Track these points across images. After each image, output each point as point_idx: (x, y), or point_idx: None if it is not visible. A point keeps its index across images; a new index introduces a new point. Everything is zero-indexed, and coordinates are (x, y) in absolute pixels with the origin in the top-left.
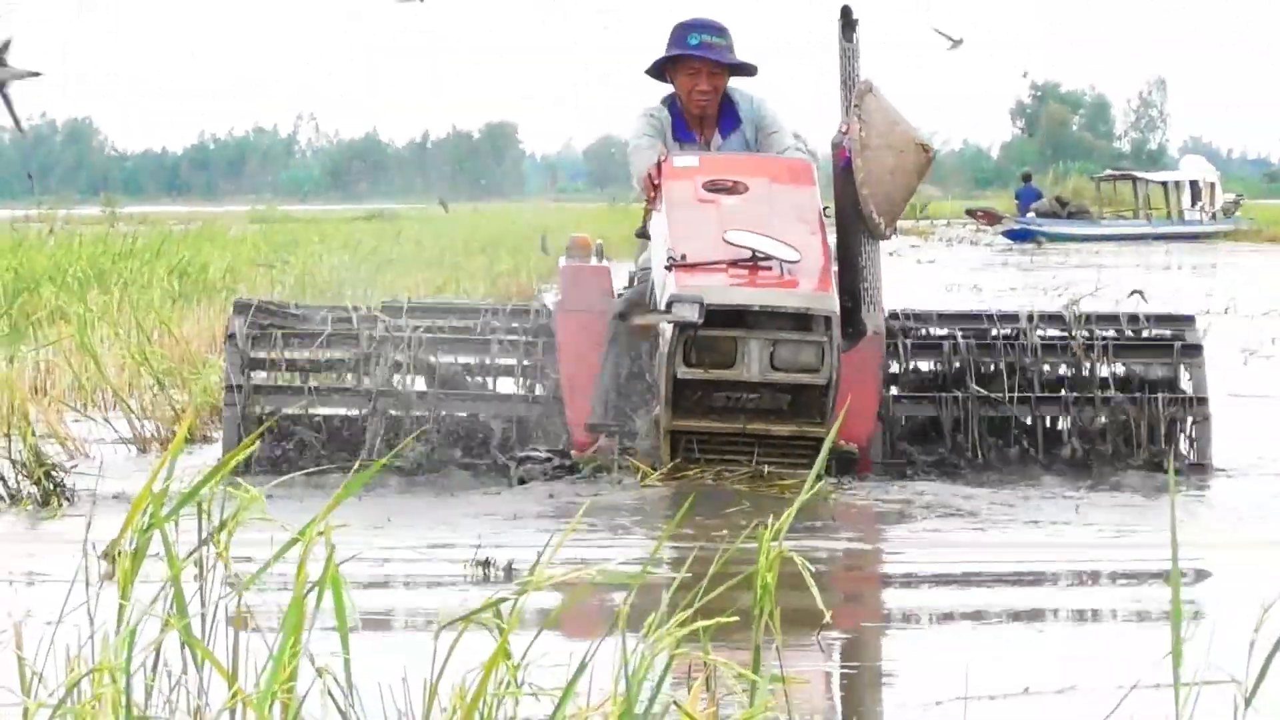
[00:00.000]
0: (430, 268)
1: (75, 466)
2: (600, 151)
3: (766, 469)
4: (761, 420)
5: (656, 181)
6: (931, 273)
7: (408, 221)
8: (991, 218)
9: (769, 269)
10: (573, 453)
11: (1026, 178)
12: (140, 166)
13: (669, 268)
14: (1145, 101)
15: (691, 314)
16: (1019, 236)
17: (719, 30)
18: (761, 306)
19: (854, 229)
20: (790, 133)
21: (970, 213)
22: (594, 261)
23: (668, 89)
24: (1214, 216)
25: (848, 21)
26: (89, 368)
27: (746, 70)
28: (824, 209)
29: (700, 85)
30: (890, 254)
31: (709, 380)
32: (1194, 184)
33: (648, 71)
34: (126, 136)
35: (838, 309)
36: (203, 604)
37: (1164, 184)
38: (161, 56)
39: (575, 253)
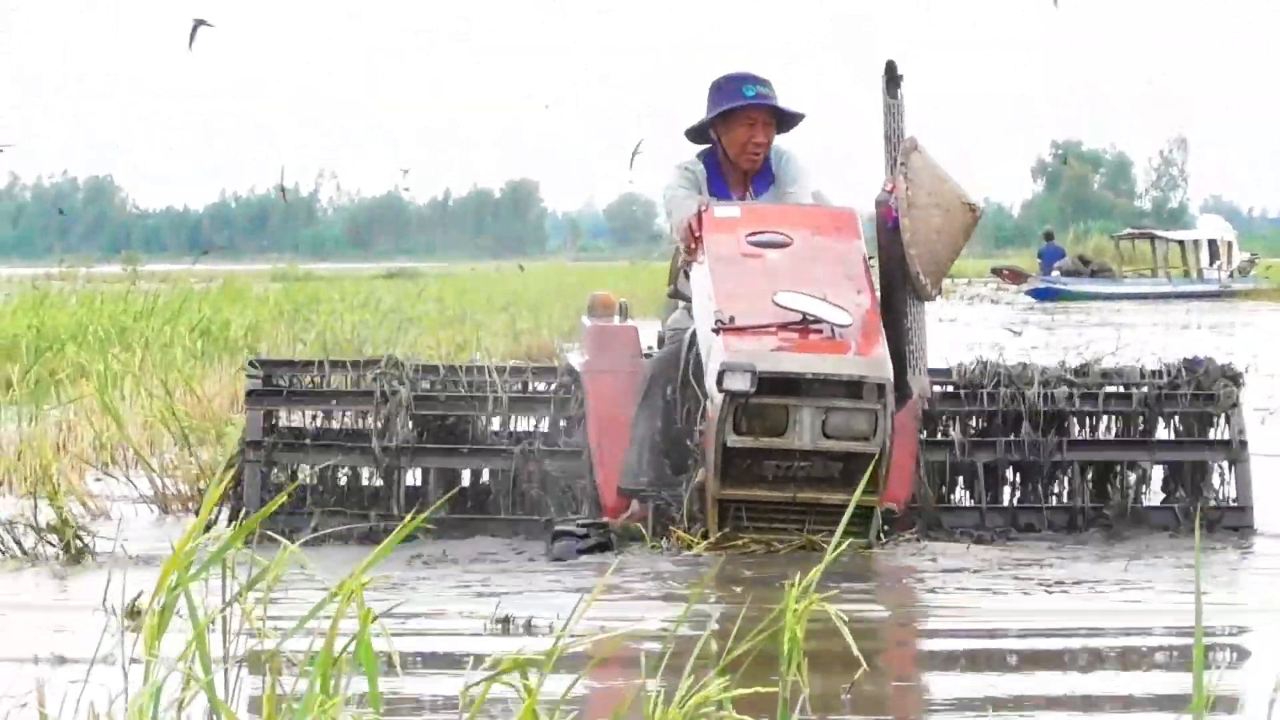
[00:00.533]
0: (451, 326)
1: (95, 526)
2: (622, 210)
3: (817, 537)
4: (813, 489)
5: (697, 233)
6: (953, 331)
7: (429, 279)
8: (1017, 276)
9: (819, 331)
10: (605, 519)
11: (1049, 236)
12: (162, 224)
13: (717, 330)
14: (1166, 160)
15: (743, 384)
16: (1044, 295)
17: (767, 82)
18: (814, 375)
19: (899, 289)
20: (810, 189)
21: (996, 271)
22: (617, 320)
23: (696, 146)
24: (1231, 275)
25: (892, 77)
26: (110, 426)
27: (799, 119)
28: (867, 259)
29: (757, 137)
30: None
31: (759, 448)
32: (1212, 243)
33: (692, 129)
34: (148, 194)
35: (892, 376)
36: (226, 661)
37: (1182, 243)
38: (184, 115)
39: (598, 311)
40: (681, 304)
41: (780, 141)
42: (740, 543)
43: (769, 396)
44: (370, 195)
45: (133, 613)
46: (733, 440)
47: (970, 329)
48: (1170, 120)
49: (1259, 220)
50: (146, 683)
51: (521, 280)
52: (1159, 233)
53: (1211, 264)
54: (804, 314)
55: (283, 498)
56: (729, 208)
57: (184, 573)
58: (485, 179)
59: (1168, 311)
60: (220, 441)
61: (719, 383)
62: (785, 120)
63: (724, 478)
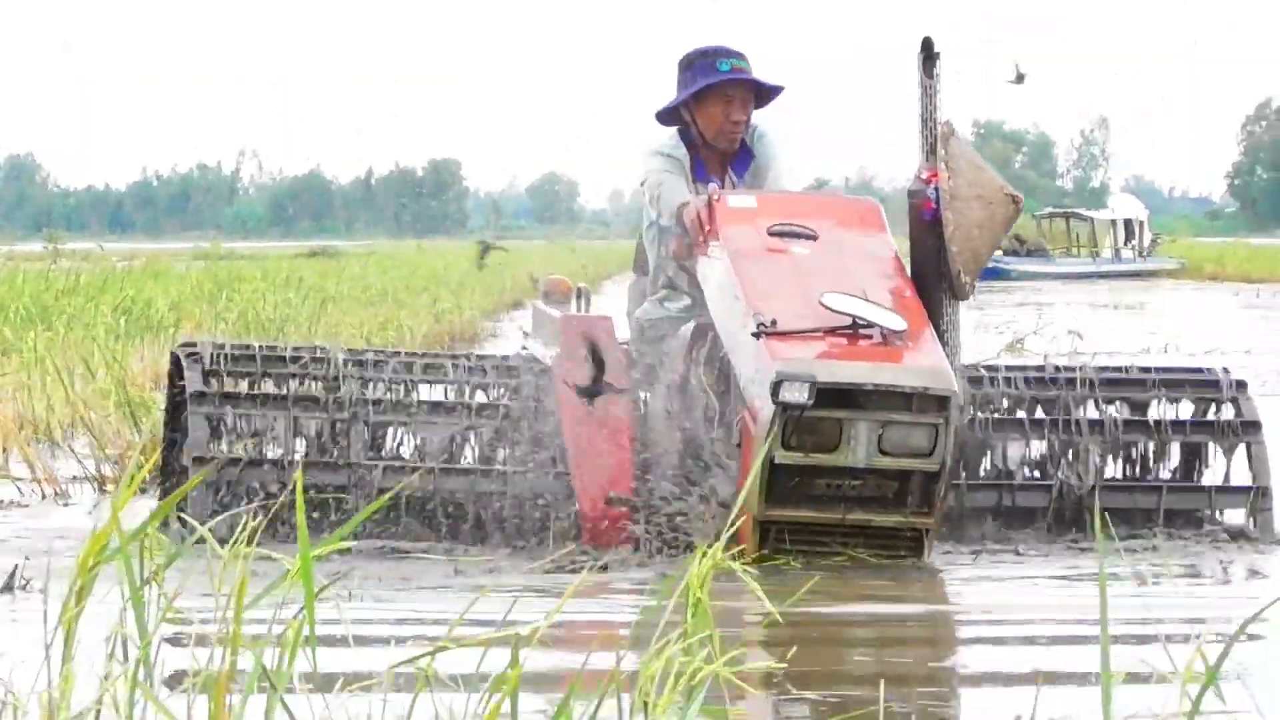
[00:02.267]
0: (373, 305)
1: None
2: (544, 189)
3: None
4: (864, 509)
5: (709, 224)
6: None
7: (351, 258)
8: None
9: (868, 337)
10: (584, 534)
11: None
12: (84, 202)
13: (758, 335)
14: (1087, 140)
15: (802, 396)
16: (989, 275)
17: (742, 55)
18: (877, 386)
19: (934, 287)
20: (789, 167)
21: None
22: (574, 306)
23: (662, 129)
24: (1142, 254)
25: (929, 55)
26: (31, 405)
27: (778, 92)
28: (898, 255)
29: (735, 115)
30: None
31: (810, 465)
32: (1128, 222)
33: (663, 111)
34: (69, 172)
35: (957, 387)
36: (143, 640)
37: (1100, 221)
38: (105, 92)
39: (555, 297)
40: (652, 295)
41: (754, 117)
42: (779, 562)
43: (822, 409)
44: (292, 174)
45: (7, 587)
46: (781, 456)
47: None
48: (1092, 100)
49: (1180, 200)
50: (65, 663)
51: (442, 260)
52: (1083, 212)
53: (1127, 243)
54: (854, 317)
55: (199, 479)
56: (743, 197)
57: (99, 555)
58: (408, 158)
59: (1093, 291)
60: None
61: (774, 394)
62: (762, 95)
63: (769, 497)
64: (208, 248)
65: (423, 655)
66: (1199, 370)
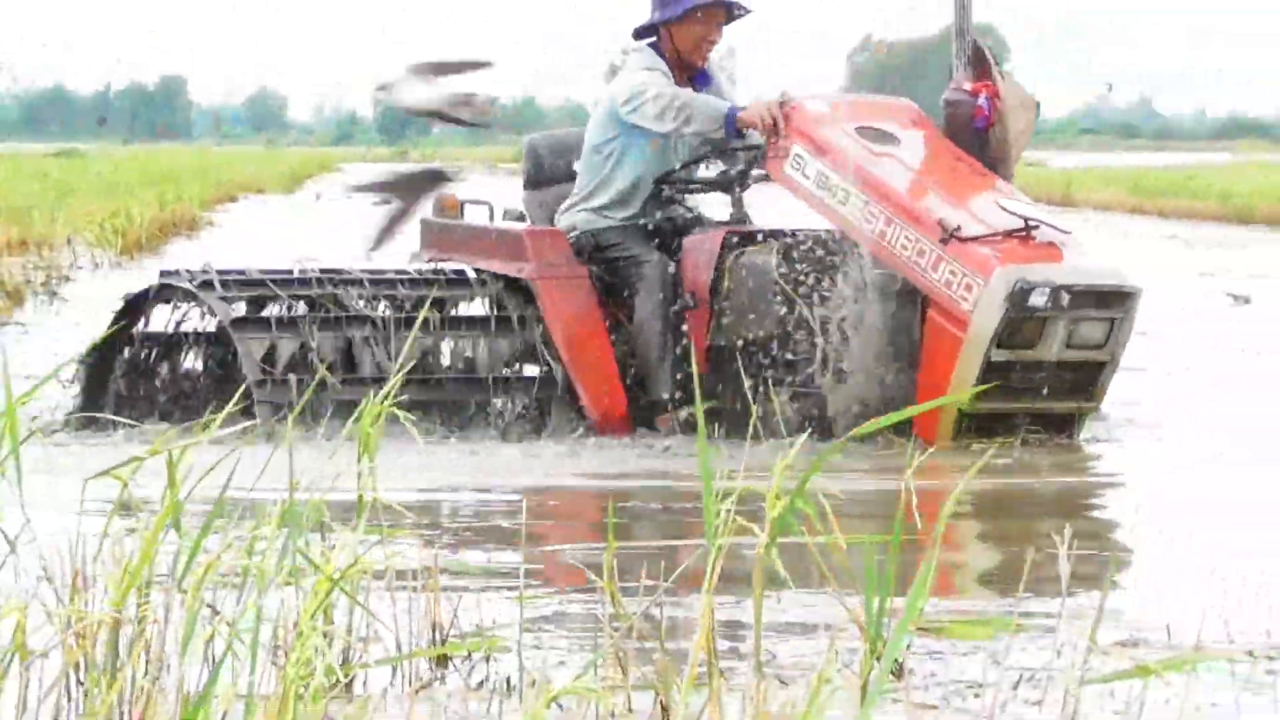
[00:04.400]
0: (109, 197)
1: None
2: (258, 101)
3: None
4: (1046, 399)
5: (789, 128)
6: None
7: (92, 159)
8: None
9: (1034, 238)
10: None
11: None
12: None
13: (945, 241)
14: None
15: (1043, 300)
16: None
17: None
18: (1090, 286)
19: None
20: (740, 93)
21: None
22: (463, 218)
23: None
24: None
25: None
26: None
27: (745, 14)
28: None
29: (712, 35)
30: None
31: (1014, 361)
32: None
33: (641, 28)
34: None
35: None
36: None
37: None
38: None
39: (447, 214)
40: (591, 205)
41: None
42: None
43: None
44: (40, 85)
45: None
46: (996, 354)
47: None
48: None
49: None
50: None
51: (173, 160)
52: None
53: None
54: (1026, 219)
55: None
56: (816, 100)
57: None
58: (140, 74)
59: None
60: None
61: (1021, 299)
62: (730, 17)
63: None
64: None
65: None
66: None
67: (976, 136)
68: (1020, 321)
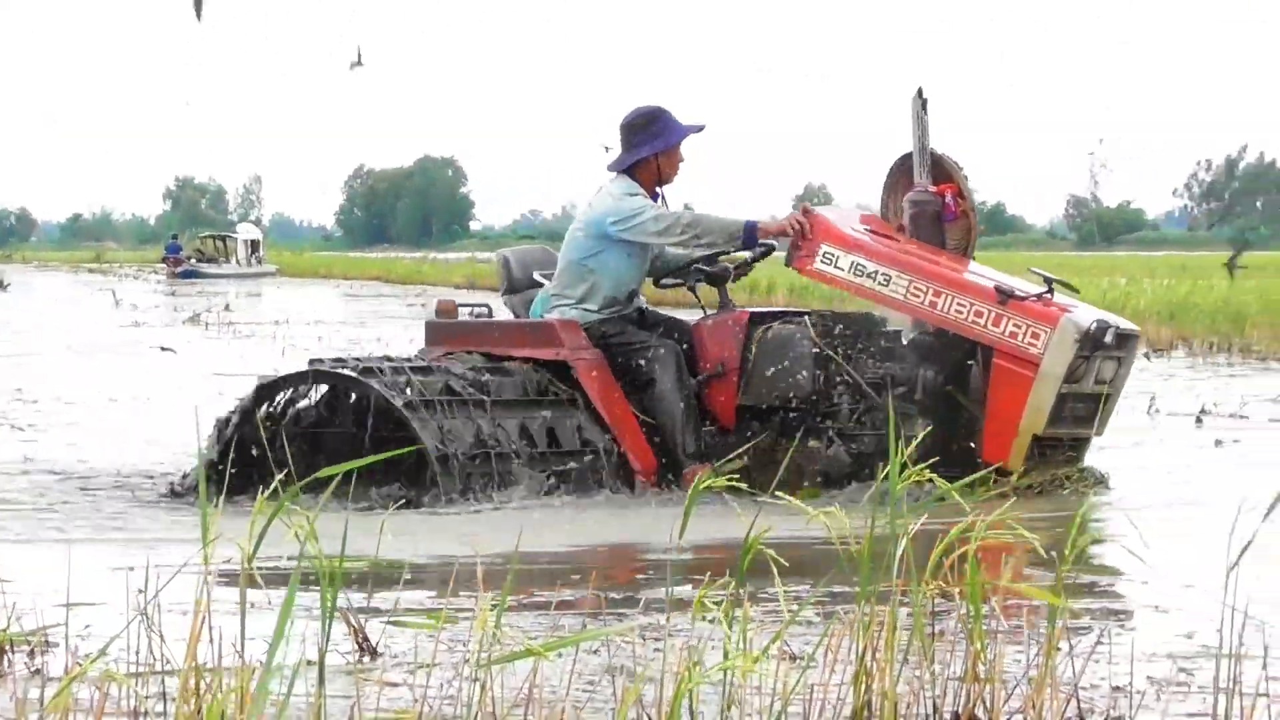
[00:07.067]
0: None
1: None
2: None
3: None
4: (1072, 426)
5: (812, 233)
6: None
7: None
8: (175, 262)
9: (1050, 296)
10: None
11: (175, 237)
12: None
13: (1002, 301)
14: (249, 190)
15: (1110, 339)
16: (188, 275)
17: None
18: (1122, 331)
19: None
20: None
21: (163, 259)
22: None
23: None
24: (259, 261)
25: (923, 99)
26: None
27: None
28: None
29: (680, 159)
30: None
31: (1069, 394)
32: (253, 241)
33: (628, 163)
34: None
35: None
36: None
37: (235, 240)
38: None
39: (444, 316)
40: (572, 302)
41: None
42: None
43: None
44: None
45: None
46: (1064, 388)
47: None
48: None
49: (305, 228)
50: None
51: None
52: (229, 235)
53: (253, 254)
54: (1049, 281)
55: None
56: (826, 209)
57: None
58: None
59: (242, 286)
60: None
61: (1096, 339)
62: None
63: (1054, 419)
64: None
65: None
66: None
67: (939, 229)
68: (1080, 360)
